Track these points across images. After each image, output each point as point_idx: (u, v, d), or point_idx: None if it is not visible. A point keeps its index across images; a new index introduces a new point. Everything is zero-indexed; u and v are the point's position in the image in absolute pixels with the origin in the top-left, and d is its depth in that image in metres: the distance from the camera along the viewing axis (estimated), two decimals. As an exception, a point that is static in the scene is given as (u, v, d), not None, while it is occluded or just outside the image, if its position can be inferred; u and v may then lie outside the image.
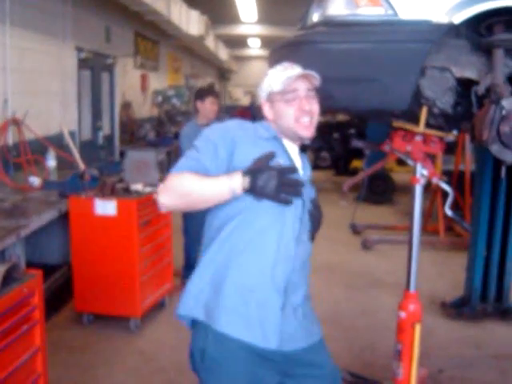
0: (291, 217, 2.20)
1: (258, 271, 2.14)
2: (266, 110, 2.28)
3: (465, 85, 2.78)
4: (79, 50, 8.04)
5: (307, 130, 2.22)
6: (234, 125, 2.26)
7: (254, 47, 25.08)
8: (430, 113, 2.80)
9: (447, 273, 6.38)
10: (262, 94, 2.30)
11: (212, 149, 2.13)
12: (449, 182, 7.49)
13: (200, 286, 2.18)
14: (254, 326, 2.12)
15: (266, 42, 20.93)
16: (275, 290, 2.15)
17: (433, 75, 2.72)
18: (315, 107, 2.24)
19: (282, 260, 2.16)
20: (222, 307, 2.12)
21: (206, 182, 2.05)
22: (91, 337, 4.62)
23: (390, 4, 2.52)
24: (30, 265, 3.99)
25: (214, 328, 2.12)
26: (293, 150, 2.30)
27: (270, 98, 2.26)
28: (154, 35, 12.81)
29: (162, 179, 5.44)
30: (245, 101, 26.81)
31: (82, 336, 4.63)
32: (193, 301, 2.19)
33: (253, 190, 2.02)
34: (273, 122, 2.28)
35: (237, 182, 2.02)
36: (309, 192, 2.31)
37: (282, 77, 2.21)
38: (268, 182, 2.01)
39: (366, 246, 7.43)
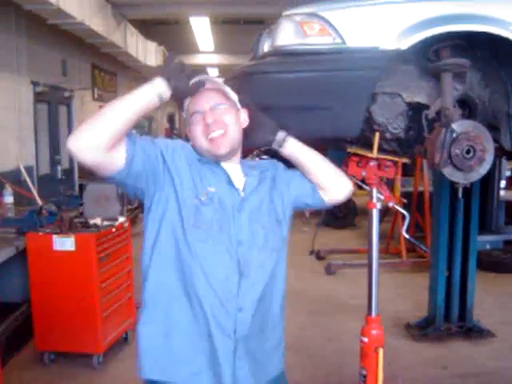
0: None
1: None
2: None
3: (416, 109, 2.82)
4: (35, 83, 7.97)
5: (221, 146, 2.06)
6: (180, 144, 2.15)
7: (213, 76, 25.21)
8: (383, 138, 2.83)
9: (411, 294, 6.41)
10: None
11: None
12: (409, 204, 7.64)
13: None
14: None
15: (224, 70, 21.02)
16: (225, 335, 2.03)
17: (384, 101, 2.75)
18: (226, 118, 2.09)
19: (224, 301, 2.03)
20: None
21: (127, 96, 1.91)
22: (53, 376, 4.51)
23: (338, 32, 2.54)
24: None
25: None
26: (233, 170, 2.14)
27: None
28: (111, 67, 12.78)
29: (123, 212, 5.38)
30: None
31: (43, 376, 4.51)
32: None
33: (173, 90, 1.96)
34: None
35: (159, 82, 1.94)
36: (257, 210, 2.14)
37: (187, 101, 2.14)
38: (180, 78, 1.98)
39: (330, 270, 7.43)
